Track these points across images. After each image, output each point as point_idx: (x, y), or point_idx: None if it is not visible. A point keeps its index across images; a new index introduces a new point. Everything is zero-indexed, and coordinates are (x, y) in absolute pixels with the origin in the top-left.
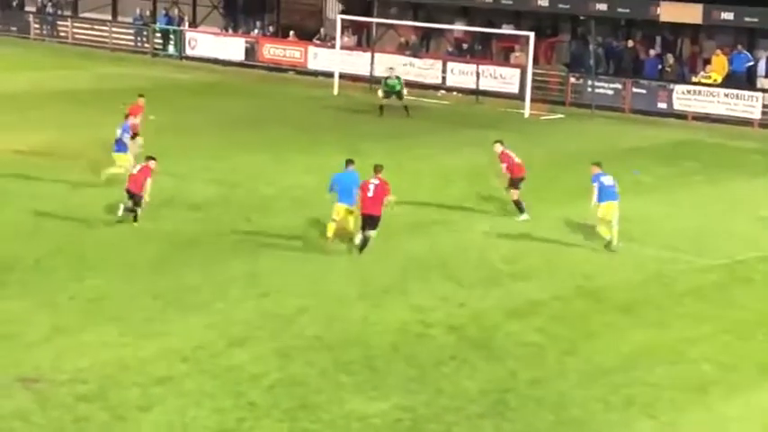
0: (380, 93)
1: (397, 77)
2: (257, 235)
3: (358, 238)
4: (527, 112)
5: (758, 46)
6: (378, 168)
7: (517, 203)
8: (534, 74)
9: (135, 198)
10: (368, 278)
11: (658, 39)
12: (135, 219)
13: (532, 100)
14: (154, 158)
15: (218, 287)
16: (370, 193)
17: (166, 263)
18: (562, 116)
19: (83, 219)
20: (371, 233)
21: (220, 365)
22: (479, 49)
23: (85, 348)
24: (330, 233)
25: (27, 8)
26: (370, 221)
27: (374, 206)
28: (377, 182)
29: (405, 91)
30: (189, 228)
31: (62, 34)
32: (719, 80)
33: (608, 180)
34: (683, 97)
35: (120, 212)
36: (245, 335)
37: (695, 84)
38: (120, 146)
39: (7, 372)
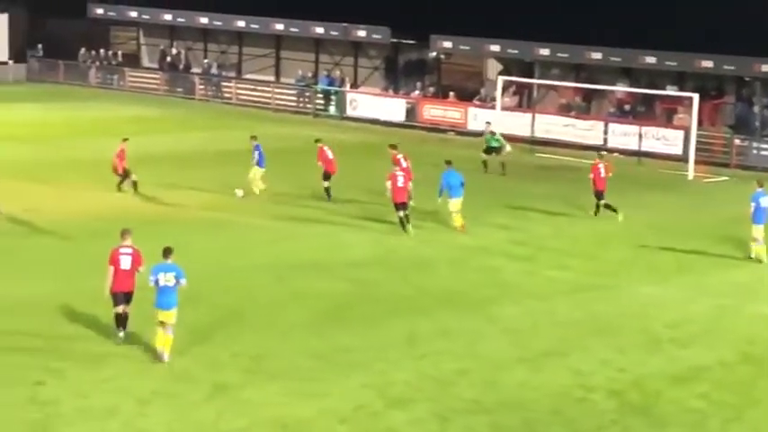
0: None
1: (492, 133)
2: (415, 296)
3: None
4: (691, 173)
5: None
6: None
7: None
8: (698, 135)
9: (404, 206)
10: (527, 341)
11: None
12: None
13: (696, 162)
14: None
15: (377, 348)
16: (602, 174)
17: (325, 323)
18: (726, 178)
19: (243, 278)
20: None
21: (379, 427)
22: (642, 111)
23: (246, 407)
24: (458, 224)
25: (193, 70)
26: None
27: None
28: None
29: (508, 147)
30: (346, 288)
31: (226, 95)
32: None
33: (765, 201)
34: None
35: (408, 228)
36: (403, 396)
37: None
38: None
39: (172, 430)
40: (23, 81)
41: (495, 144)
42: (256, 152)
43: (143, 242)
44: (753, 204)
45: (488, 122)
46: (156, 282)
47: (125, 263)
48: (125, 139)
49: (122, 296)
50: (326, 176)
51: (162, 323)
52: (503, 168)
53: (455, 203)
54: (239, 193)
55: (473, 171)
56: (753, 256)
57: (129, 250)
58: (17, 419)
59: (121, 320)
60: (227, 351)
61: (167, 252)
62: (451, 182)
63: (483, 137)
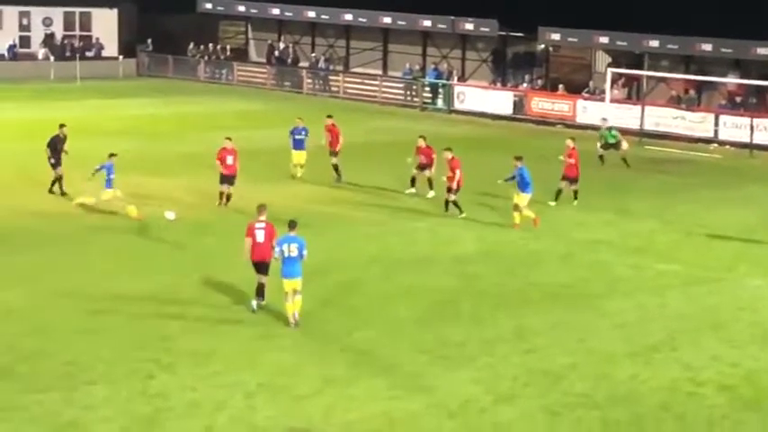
0: (599, 144)
1: (609, 129)
2: (523, 290)
3: None
4: None
5: None
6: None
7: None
8: None
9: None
10: (636, 336)
11: None
12: None
13: None
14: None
15: (484, 342)
16: None
17: (433, 317)
18: None
19: (351, 272)
20: None
21: (487, 422)
22: (753, 102)
23: (354, 401)
24: (518, 220)
25: (301, 64)
26: None
27: None
28: None
29: (624, 144)
30: (454, 282)
31: (333, 89)
32: None
33: None
34: None
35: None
36: (512, 391)
37: None
38: None
39: (279, 423)
40: (133, 76)
41: (612, 140)
42: (298, 135)
43: None
44: None
45: (605, 119)
46: (281, 252)
47: (260, 236)
48: (228, 138)
49: (261, 265)
50: (333, 153)
51: (288, 291)
52: (626, 164)
53: (525, 198)
54: (170, 215)
55: (584, 165)
56: None
57: (263, 224)
58: (127, 412)
59: (260, 290)
60: (335, 345)
61: (292, 225)
62: (526, 177)
63: (599, 132)
